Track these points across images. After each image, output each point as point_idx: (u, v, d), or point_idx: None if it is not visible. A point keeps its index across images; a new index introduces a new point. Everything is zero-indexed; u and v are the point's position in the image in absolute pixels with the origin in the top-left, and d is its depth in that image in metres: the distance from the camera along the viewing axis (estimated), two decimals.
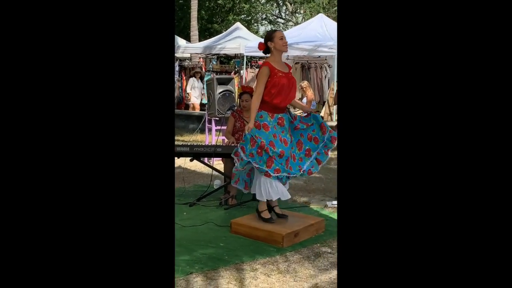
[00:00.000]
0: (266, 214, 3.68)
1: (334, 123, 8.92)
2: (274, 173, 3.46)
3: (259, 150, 3.46)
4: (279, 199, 3.71)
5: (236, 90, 5.86)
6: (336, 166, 6.04)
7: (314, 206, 4.50)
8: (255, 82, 3.68)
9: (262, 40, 3.73)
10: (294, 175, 3.67)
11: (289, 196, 3.75)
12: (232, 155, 3.65)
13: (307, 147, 3.67)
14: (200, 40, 14.86)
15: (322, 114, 10.39)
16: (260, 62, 13.96)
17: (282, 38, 3.58)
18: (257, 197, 3.65)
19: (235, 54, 13.13)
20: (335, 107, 9.66)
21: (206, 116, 6.37)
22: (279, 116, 3.55)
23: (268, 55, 3.67)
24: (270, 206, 3.75)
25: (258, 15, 22.27)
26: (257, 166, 3.49)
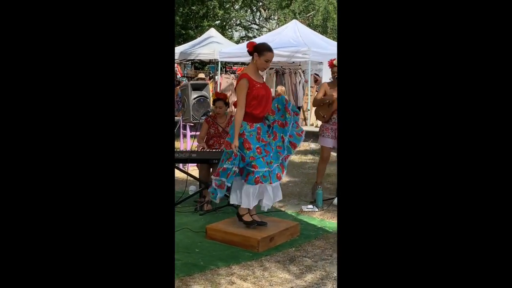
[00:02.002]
0: (247, 218, 3.67)
1: (308, 128, 9.00)
2: (252, 168, 3.47)
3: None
4: (258, 206, 3.72)
5: (211, 96, 5.86)
6: (311, 171, 6.07)
7: (289, 211, 4.53)
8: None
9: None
10: (276, 164, 3.64)
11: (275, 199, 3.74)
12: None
13: (281, 134, 3.70)
14: (174, 46, 14.78)
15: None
16: (235, 67, 13.99)
17: (268, 61, 3.60)
18: (242, 205, 3.65)
19: (210, 59, 13.12)
20: (309, 112, 9.75)
21: (181, 121, 6.34)
22: (258, 125, 3.60)
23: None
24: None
25: (232, 21, 22.31)
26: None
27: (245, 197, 3.60)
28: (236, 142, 3.51)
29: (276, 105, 3.71)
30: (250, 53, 3.65)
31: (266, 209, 3.74)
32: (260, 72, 3.71)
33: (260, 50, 3.58)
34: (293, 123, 3.72)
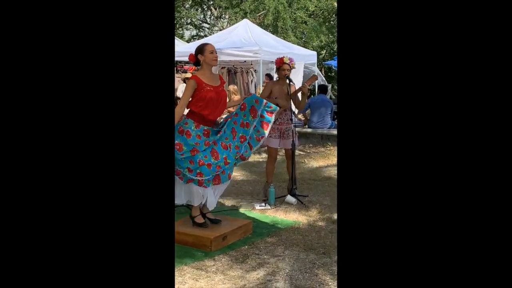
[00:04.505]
0: (199, 219, 3.69)
1: None
2: (196, 177, 3.48)
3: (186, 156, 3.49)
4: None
5: None
6: (263, 170, 6.12)
7: (242, 209, 4.55)
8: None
9: (190, 47, 3.74)
10: (231, 165, 3.65)
11: (214, 205, 3.75)
12: None
13: (240, 134, 3.64)
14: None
15: None
16: (186, 67, 13.89)
17: (213, 52, 3.60)
18: (194, 204, 3.67)
19: None
20: None
21: None
22: (205, 128, 3.56)
23: (199, 67, 3.68)
24: (202, 213, 3.76)
25: (183, 20, 22.09)
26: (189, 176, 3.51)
27: (195, 196, 3.63)
28: None
29: (243, 104, 3.66)
30: (196, 61, 3.65)
31: (212, 207, 3.73)
32: (213, 71, 3.71)
33: (200, 50, 3.62)
34: (255, 125, 3.63)
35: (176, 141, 3.46)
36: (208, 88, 3.52)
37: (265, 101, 3.65)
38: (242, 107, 3.66)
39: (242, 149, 3.67)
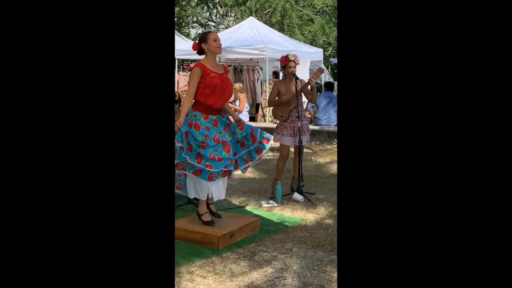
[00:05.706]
0: (206, 217, 3.69)
1: (267, 124, 9.06)
2: (206, 168, 3.46)
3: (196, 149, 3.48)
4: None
5: None
6: (270, 167, 6.11)
7: (249, 207, 4.55)
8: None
9: (196, 42, 3.73)
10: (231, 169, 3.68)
11: (223, 197, 3.77)
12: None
13: (235, 150, 3.70)
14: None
15: (256, 116, 10.52)
16: (192, 65, 13.89)
17: (216, 40, 3.59)
18: (197, 197, 3.68)
19: None
20: (268, 108, 9.81)
21: None
22: (214, 118, 3.56)
23: (202, 56, 3.67)
24: (211, 210, 3.77)
25: (189, 18, 22.11)
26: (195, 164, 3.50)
27: (203, 190, 3.62)
28: (181, 119, 3.49)
29: (241, 123, 3.73)
30: (200, 50, 3.65)
31: (222, 197, 3.76)
32: (217, 61, 3.72)
33: (203, 39, 3.62)
34: (250, 149, 3.76)
35: (186, 130, 3.49)
36: (213, 74, 3.52)
37: (259, 129, 3.76)
38: (240, 126, 3.71)
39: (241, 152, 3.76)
